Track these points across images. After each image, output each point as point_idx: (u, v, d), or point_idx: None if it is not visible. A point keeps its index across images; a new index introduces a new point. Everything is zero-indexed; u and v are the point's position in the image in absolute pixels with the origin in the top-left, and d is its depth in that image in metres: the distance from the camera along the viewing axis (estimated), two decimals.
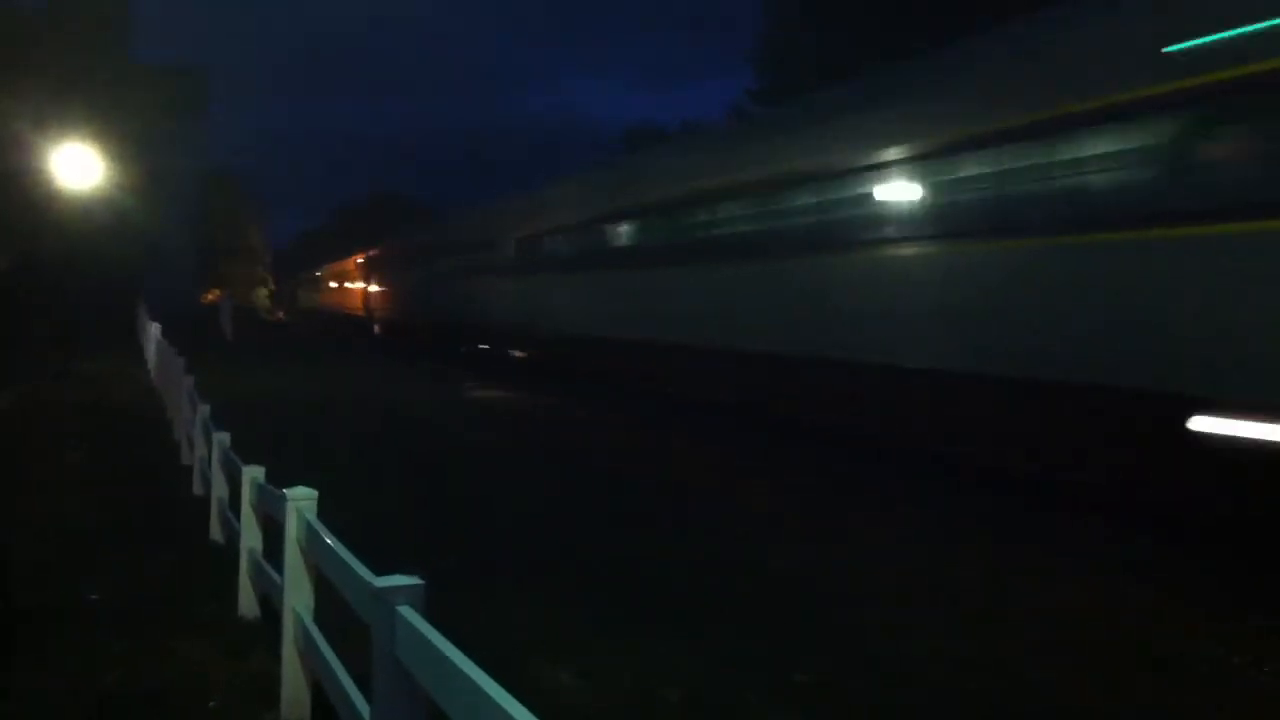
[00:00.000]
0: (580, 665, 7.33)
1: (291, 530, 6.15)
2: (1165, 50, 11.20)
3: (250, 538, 8.15)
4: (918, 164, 15.00)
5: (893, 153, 15.42)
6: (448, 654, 3.30)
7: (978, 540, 11.83)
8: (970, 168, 14.06)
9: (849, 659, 7.70)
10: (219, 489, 10.46)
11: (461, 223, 42.53)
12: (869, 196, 16.03)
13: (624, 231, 25.59)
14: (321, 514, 6.06)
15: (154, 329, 27.84)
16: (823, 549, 11.20)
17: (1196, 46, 10.89)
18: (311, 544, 5.81)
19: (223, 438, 10.17)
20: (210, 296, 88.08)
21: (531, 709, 2.82)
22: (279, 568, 6.56)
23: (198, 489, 12.92)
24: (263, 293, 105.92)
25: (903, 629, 8.51)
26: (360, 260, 61.32)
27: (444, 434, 19.76)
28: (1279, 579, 10.00)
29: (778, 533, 12.02)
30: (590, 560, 10.45)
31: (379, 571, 4.36)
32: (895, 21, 45.91)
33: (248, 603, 8.31)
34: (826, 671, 7.42)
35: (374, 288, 57.64)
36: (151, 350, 28.17)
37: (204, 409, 12.50)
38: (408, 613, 3.77)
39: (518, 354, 34.64)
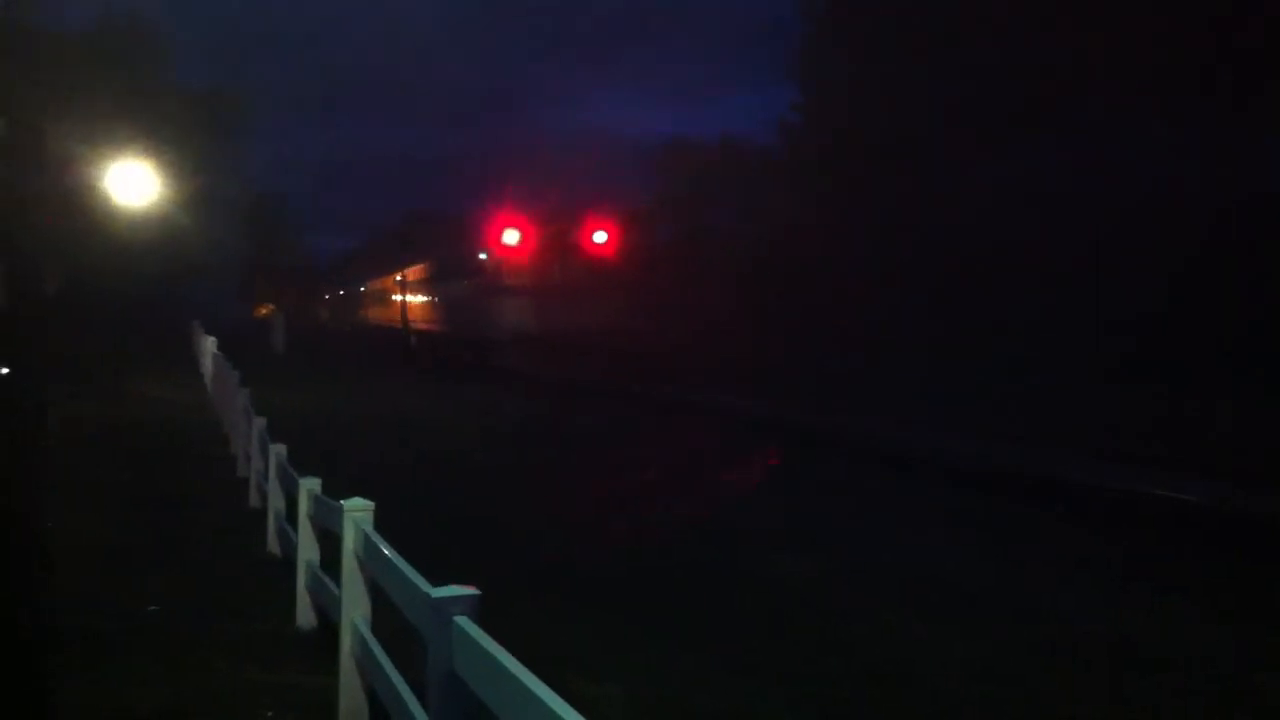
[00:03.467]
0: (618, 678, 7.31)
1: (348, 542, 6.14)
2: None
3: (307, 550, 8.16)
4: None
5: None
6: (507, 665, 3.26)
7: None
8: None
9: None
10: (276, 501, 10.50)
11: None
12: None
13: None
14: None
15: (209, 343, 28.12)
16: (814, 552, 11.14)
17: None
18: (368, 555, 5.81)
19: (279, 450, 10.21)
20: (262, 311, 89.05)
21: None
22: (336, 579, 6.56)
23: (254, 502, 13.00)
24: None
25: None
26: (397, 279, 67.45)
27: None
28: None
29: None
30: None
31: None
32: (926, 35, 45.85)
33: (305, 614, 8.32)
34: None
35: (410, 302, 63.27)
36: (207, 364, 28.45)
37: (260, 422, 12.57)
38: (465, 623, 3.74)
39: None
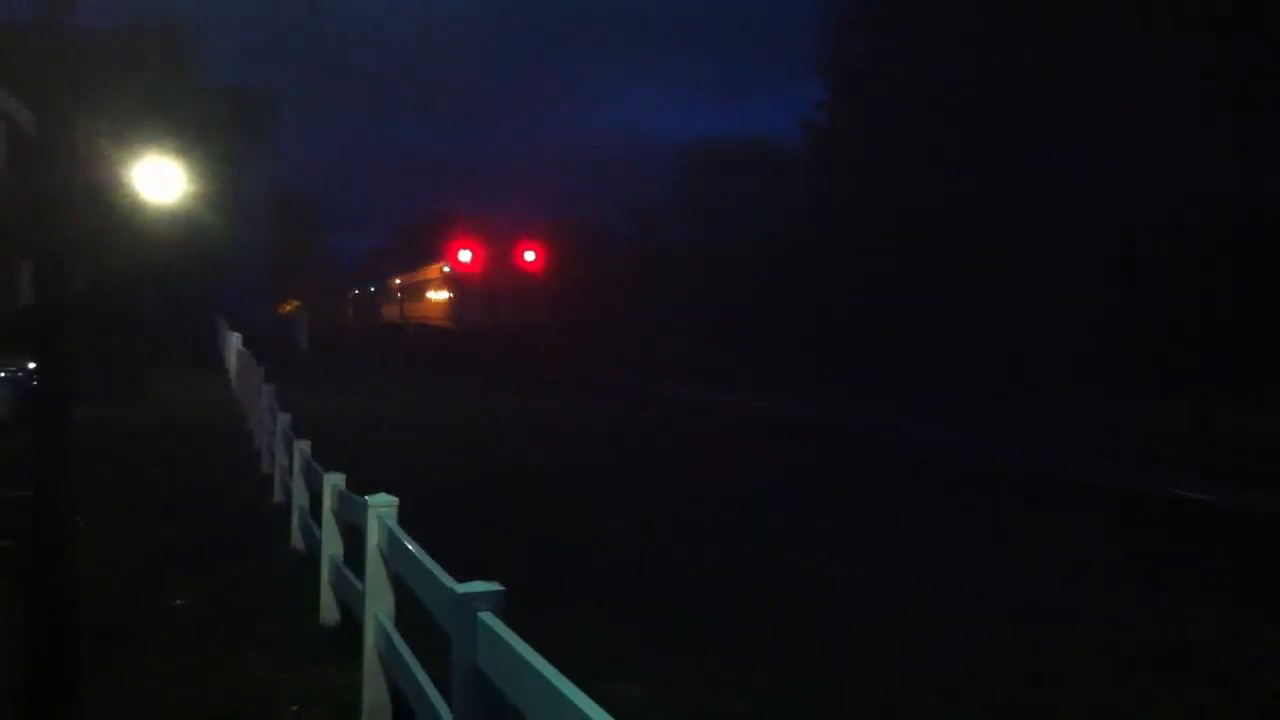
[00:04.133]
0: (644, 678, 7.33)
1: (373, 537, 6.17)
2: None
3: (331, 545, 8.21)
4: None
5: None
6: (531, 661, 3.28)
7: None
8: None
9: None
10: (300, 497, 10.55)
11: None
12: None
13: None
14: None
15: (234, 339, 28.28)
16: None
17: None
18: (392, 550, 5.84)
19: (304, 446, 10.27)
20: (285, 308, 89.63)
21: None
22: (360, 574, 6.60)
23: (279, 497, 13.07)
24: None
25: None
26: (396, 282, 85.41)
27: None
28: None
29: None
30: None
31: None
32: (949, 32, 45.93)
33: (329, 610, 8.37)
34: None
35: (406, 301, 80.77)
36: (232, 360, 28.62)
37: (284, 418, 12.63)
38: (489, 619, 3.76)
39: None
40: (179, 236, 34.21)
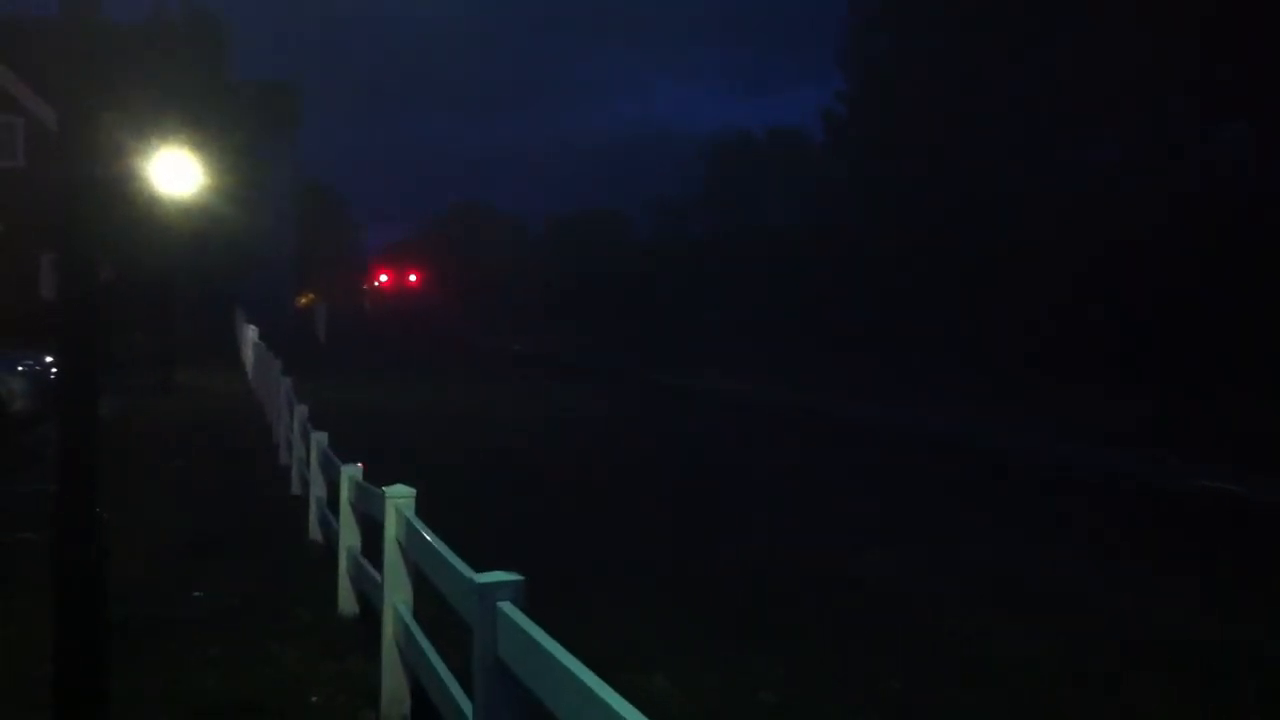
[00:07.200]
0: (665, 669, 7.32)
1: (390, 528, 6.16)
2: None
3: (349, 536, 8.20)
4: None
5: None
6: (551, 651, 3.26)
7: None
8: None
9: None
10: (317, 488, 10.57)
11: None
12: None
13: None
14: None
15: (251, 332, 28.36)
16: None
17: None
18: (410, 541, 5.82)
19: (320, 437, 10.28)
20: (304, 301, 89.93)
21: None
22: (378, 565, 6.60)
23: (296, 489, 13.09)
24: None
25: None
26: (364, 288, 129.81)
27: None
28: None
29: None
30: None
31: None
32: (972, 21, 45.83)
33: (347, 601, 8.37)
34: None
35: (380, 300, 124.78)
36: (249, 353, 28.69)
37: (301, 410, 12.64)
38: (509, 609, 3.74)
39: None
40: (201, 230, 34.25)
